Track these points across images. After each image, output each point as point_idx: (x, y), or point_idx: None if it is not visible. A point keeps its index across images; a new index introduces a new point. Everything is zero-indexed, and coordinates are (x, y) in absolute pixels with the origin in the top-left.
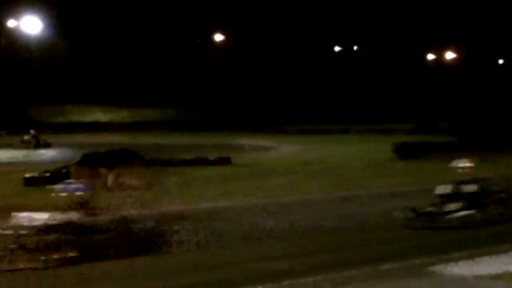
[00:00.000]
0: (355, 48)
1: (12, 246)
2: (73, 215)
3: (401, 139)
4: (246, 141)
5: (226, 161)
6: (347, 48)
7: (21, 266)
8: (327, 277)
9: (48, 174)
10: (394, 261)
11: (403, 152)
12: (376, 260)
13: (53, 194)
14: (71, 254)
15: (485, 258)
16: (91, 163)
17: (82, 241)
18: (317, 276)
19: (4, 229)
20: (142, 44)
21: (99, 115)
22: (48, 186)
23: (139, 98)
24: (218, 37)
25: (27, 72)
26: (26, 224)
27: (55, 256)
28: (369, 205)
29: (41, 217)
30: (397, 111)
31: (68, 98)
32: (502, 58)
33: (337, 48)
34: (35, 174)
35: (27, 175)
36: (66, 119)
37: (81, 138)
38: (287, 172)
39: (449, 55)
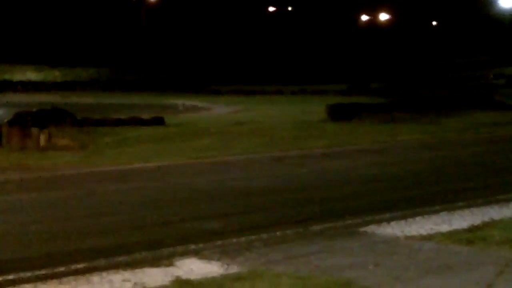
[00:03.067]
0: (289, 8)
1: None
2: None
3: (334, 101)
4: (179, 101)
5: (159, 121)
6: (281, 8)
7: None
8: (259, 237)
9: None
10: (326, 221)
11: (336, 113)
12: (307, 221)
13: None
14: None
15: (417, 219)
16: (23, 123)
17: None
18: (250, 236)
19: None
20: (77, 2)
21: (31, 75)
22: None
23: (72, 57)
24: None
25: None
26: None
27: None
28: (300, 165)
29: None
30: (331, 73)
31: (3, 57)
32: (436, 20)
33: (271, 9)
34: None
35: None
36: None
37: (11, 97)
38: (219, 132)
39: (383, 16)
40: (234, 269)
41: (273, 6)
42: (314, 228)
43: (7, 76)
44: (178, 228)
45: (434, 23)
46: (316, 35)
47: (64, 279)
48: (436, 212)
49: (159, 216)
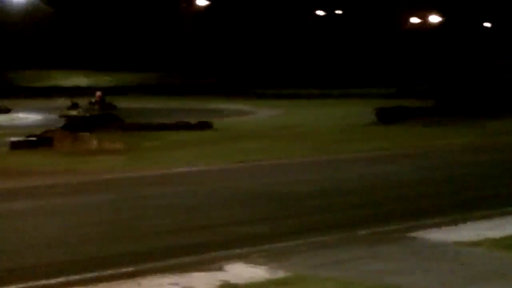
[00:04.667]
0: (338, 12)
1: None
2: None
3: (380, 104)
4: (225, 105)
5: (206, 126)
6: (329, 12)
7: None
8: (305, 241)
9: (34, 138)
10: (373, 226)
11: (384, 116)
12: (354, 225)
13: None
14: None
15: (468, 224)
16: (74, 127)
17: None
18: (296, 241)
19: None
20: (124, 8)
21: (81, 80)
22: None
23: (120, 62)
24: (201, 2)
25: (6, 36)
26: None
27: None
28: (346, 169)
29: None
30: (378, 76)
31: (53, 63)
32: (489, 22)
33: (320, 13)
34: (21, 138)
35: (13, 139)
36: (48, 83)
37: (62, 102)
38: (265, 136)
39: (433, 18)
40: (280, 273)
41: (322, 10)
42: (361, 233)
43: (57, 82)
44: (224, 232)
45: (487, 24)
46: (364, 38)
47: (114, 282)
48: (487, 217)
49: (205, 220)
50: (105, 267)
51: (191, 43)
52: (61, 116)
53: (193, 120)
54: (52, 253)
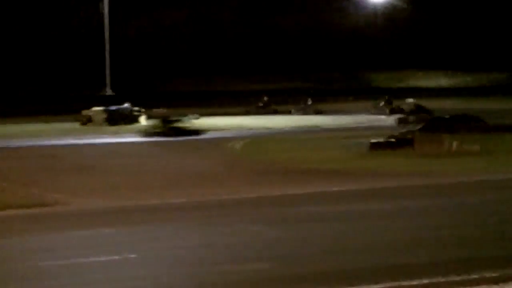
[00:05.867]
0: None
1: None
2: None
3: None
4: None
5: None
6: None
7: None
8: None
9: (393, 140)
10: None
11: None
12: None
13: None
14: None
15: None
16: (434, 129)
17: None
18: None
19: None
20: None
21: (443, 81)
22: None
23: (486, 61)
24: None
25: (363, 37)
26: None
27: None
28: None
29: None
30: None
31: (411, 63)
32: None
33: None
34: (381, 139)
35: (373, 140)
36: (405, 84)
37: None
38: None
39: None
40: None
41: None
42: None
43: (417, 83)
44: None
45: None
46: None
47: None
48: None
49: None
50: (464, 271)
51: None
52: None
53: None
54: (409, 254)
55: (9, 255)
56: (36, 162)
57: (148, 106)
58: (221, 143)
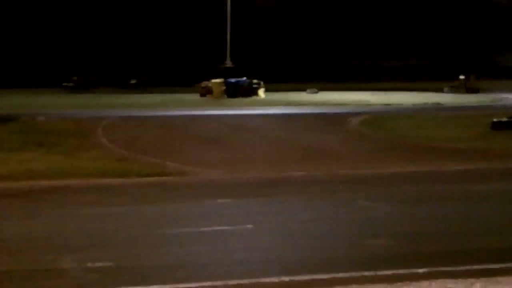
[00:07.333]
0: None
1: None
2: None
3: None
4: None
5: None
6: None
7: None
8: None
9: None
10: None
11: None
12: None
13: None
14: None
15: None
16: None
17: None
18: None
19: None
20: None
21: None
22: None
23: None
24: None
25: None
26: None
27: None
28: None
29: None
30: None
31: None
32: None
33: None
34: (503, 119)
35: (495, 119)
36: None
37: None
38: None
39: None
40: None
41: None
42: None
43: None
44: None
45: None
46: None
47: None
48: None
49: None
50: None
51: None
52: None
53: None
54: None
55: (137, 222)
56: (160, 132)
57: (266, 80)
58: (340, 119)
